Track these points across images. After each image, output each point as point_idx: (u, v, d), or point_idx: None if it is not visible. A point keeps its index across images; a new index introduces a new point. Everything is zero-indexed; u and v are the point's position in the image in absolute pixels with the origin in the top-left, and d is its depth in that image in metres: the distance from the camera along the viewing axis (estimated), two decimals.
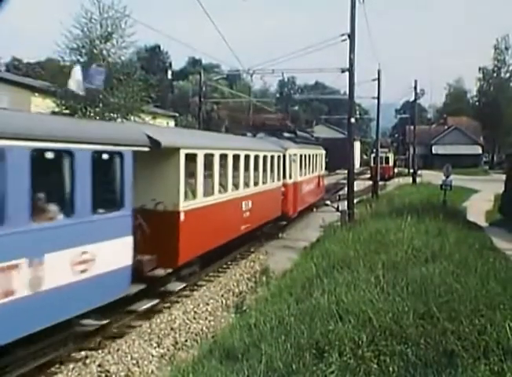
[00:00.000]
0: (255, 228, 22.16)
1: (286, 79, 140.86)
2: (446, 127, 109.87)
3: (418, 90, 66.87)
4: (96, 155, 10.83)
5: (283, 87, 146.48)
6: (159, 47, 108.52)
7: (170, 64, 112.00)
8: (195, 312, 14.76)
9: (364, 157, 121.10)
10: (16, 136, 8.83)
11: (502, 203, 31.84)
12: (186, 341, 12.61)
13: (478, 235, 22.03)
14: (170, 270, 14.25)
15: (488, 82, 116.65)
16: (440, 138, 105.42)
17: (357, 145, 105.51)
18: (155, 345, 12.29)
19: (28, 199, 8.97)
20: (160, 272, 13.88)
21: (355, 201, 29.76)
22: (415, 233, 18.24)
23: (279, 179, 25.55)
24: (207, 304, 15.52)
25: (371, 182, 49.97)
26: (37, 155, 9.23)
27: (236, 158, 19.29)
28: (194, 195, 15.45)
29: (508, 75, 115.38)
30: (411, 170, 65.33)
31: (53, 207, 9.97)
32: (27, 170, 8.89)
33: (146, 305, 13.47)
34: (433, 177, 54.96)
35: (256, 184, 21.83)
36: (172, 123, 61.88)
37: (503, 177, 36.45)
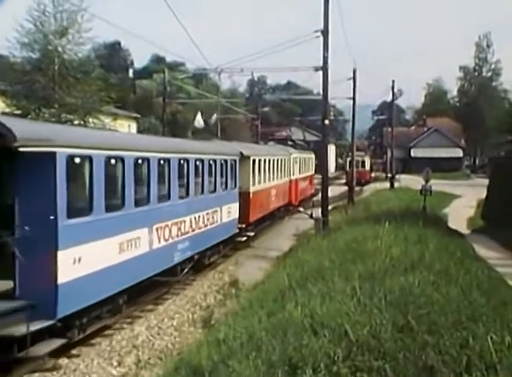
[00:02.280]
0: (274, 210, 33.06)
1: (256, 79, 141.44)
2: (425, 129, 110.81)
3: (395, 90, 67.55)
4: (230, 161, 23.26)
5: (253, 87, 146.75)
6: (119, 44, 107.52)
7: (132, 62, 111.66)
8: (159, 327, 14.68)
9: (339, 161, 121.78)
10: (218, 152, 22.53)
11: (484, 209, 32.23)
12: (149, 359, 12.52)
13: (460, 243, 22.23)
14: (244, 225, 25.58)
15: (470, 81, 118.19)
16: (419, 141, 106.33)
17: (332, 148, 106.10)
18: (115, 363, 12.18)
19: (220, 183, 21.93)
20: (241, 225, 25.16)
21: (330, 208, 29.89)
22: (393, 241, 18.33)
23: (286, 176, 36.59)
24: (172, 318, 15.45)
25: (346, 188, 50.21)
26: (221, 162, 22.00)
27: (269, 161, 30.89)
28: (255, 183, 27.30)
29: (490, 73, 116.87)
30: (389, 175, 65.83)
31: (220, 185, 22.01)
32: (222, 167, 22.30)
33: (242, 237, 25.76)
34: (412, 181, 55.41)
35: (276, 178, 32.89)
36: (134, 125, 61.55)
37: (486, 181, 36.94)
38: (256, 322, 11.33)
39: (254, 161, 27.23)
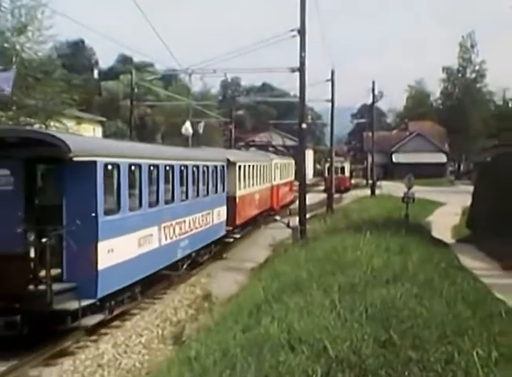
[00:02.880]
0: (257, 214, 36.10)
1: (229, 80, 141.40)
2: (407, 133, 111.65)
3: (376, 92, 67.91)
4: (219, 167, 26.10)
5: (227, 89, 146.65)
6: (82, 42, 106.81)
7: (97, 62, 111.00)
8: (126, 345, 14.57)
9: (318, 167, 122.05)
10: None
11: (469, 217, 32.46)
12: None
13: (444, 252, 22.39)
14: (231, 228, 28.16)
15: (453, 82, 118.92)
16: (401, 145, 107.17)
17: (310, 154, 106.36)
18: None
19: (211, 187, 24.82)
20: (229, 228, 27.68)
21: (307, 216, 29.94)
22: (374, 251, 18.42)
23: (268, 181, 40.01)
24: (141, 335, 15.34)
25: (325, 195, 50.36)
26: (212, 168, 24.98)
27: (252, 166, 34.10)
28: (240, 188, 30.06)
29: (474, 75, 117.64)
30: (370, 181, 66.20)
31: (211, 189, 25.07)
32: (213, 173, 25.26)
33: (230, 239, 28.20)
34: (394, 188, 55.75)
35: (259, 184, 36.12)
36: (99, 129, 61.23)
37: (471, 188, 37.21)
38: (230, 338, 11.31)
39: (239, 167, 30.30)
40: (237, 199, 29.24)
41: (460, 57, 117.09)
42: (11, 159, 14.46)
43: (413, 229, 26.49)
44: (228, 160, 27.88)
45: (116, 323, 16.23)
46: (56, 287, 13.34)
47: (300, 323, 10.93)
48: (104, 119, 64.43)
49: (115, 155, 15.56)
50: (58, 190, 14.52)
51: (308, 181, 42.95)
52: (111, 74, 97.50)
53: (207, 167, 24.45)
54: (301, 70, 27.35)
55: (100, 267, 14.09)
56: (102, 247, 14.22)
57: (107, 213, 14.64)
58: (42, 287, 13.27)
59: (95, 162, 14.15)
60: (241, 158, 32.28)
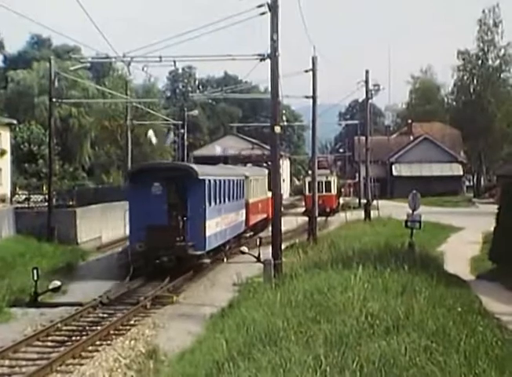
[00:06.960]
0: (259, 221, 52.20)
1: (180, 71, 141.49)
2: (411, 138, 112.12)
3: (370, 85, 67.97)
4: (241, 180, 47.12)
5: (177, 82, 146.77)
6: None
7: (2, 45, 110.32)
8: None
9: (296, 182, 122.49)
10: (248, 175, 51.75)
11: (493, 245, 32.64)
12: None
13: (461, 293, 22.53)
14: (245, 227, 47.91)
15: (471, 72, 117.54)
16: (403, 154, 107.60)
17: (285, 165, 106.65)
18: None
19: (239, 194, 46.73)
20: (244, 228, 47.89)
21: (283, 247, 29.97)
22: (369, 292, 18.51)
23: (265, 194, 53.45)
24: None
25: (305, 219, 50.45)
26: (238, 181, 46.20)
27: (256, 180, 51.79)
28: (251, 196, 49.54)
29: (498, 61, 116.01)
30: (364, 201, 66.42)
31: (239, 196, 46.39)
32: (238, 184, 47.09)
33: (247, 234, 48.32)
34: (394, 209, 56.10)
35: (260, 194, 52.47)
36: (7, 135, 60.77)
37: (494, 208, 37.53)
38: None
39: (250, 180, 48.18)
40: (250, 205, 47.54)
41: (480, 39, 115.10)
42: (161, 178, 32.71)
43: (420, 263, 26.65)
44: (244, 175, 46.27)
45: None
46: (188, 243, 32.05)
47: None
48: (13, 122, 63.80)
49: (208, 174, 35.07)
50: (181, 194, 32.90)
51: (283, 201, 43.12)
52: (20, 61, 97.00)
53: (236, 180, 42.87)
54: (273, 57, 27.22)
55: (207, 234, 32.70)
56: (207, 223, 32.94)
57: (208, 205, 33.33)
58: (182, 243, 31.76)
59: (204, 179, 33.22)
60: (251, 173, 50.50)
